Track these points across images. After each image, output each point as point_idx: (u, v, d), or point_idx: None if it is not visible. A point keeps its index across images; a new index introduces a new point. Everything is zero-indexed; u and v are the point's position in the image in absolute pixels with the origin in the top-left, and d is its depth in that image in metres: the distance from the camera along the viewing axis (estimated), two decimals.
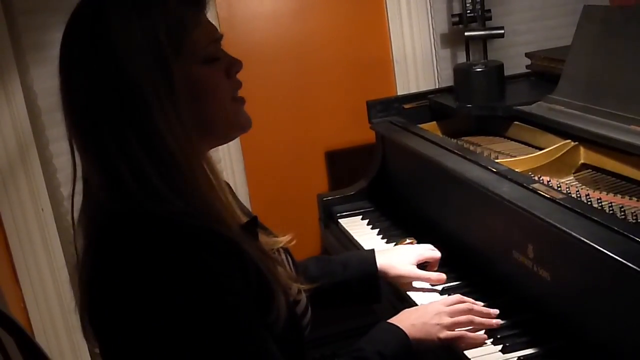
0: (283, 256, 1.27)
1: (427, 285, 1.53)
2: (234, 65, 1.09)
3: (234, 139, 1.21)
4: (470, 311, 1.31)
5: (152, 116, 0.98)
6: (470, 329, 1.30)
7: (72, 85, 1.01)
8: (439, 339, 1.25)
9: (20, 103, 1.79)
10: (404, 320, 1.25)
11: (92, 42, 1.00)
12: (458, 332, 1.27)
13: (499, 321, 1.33)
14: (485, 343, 1.29)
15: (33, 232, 1.80)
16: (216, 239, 0.99)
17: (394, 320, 1.26)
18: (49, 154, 1.90)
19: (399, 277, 1.49)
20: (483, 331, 1.31)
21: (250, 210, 1.39)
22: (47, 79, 1.89)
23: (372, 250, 1.53)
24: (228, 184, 1.26)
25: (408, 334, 1.21)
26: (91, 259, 1.03)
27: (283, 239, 1.25)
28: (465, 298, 1.36)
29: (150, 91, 0.98)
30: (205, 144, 1.12)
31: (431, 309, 1.29)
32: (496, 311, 1.35)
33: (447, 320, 1.27)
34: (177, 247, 0.96)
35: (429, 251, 1.56)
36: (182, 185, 0.99)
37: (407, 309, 1.34)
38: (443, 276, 1.51)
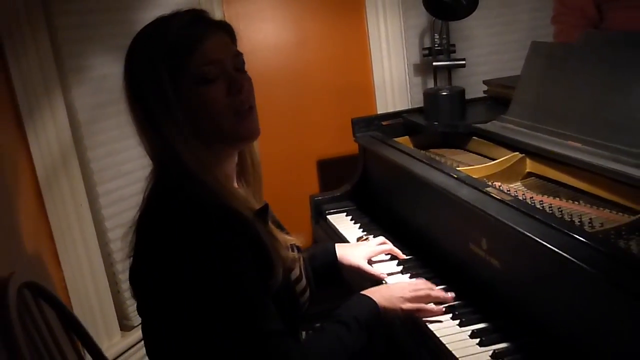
0: (295, 250, 1.28)
1: (398, 270, 1.55)
2: (233, 85, 1.10)
3: (241, 146, 1.21)
4: (430, 290, 1.34)
5: (160, 126, 1.03)
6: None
7: (126, 96, 1.10)
8: (402, 309, 1.28)
9: (63, 116, 1.80)
10: (374, 292, 1.29)
11: (126, 68, 1.10)
12: (418, 304, 1.30)
13: (452, 294, 1.36)
14: (442, 319, 1.31)
15: (72, 223, 1.80)
16: (232, 218, 1.04)
17: (366, 292, 1.29)
18: (86, 159, 1.90)
19: (350, 267, 1.51)
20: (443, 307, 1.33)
21: None
22: (85, 97, 1.91)
23: (333, 244, 1.56)
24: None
25: (378, 304, 1.24)
26: (137, 226, 1.10)
27: (294, 239, 1.28)
28: (425, 281, 1.38)
29: (154, 108, 1.03)
30: (221, 150, 1.14)
31: (398, 286, 1.34)
32: (452, 294, 1.37)
33: (409, 294, 1.30)
34: (203, 224, 1.02)
35: (379, 246, 1.59)
36: (208, 167, 1.08)
37: (378, 286, 1.37)
38: (383, 274, 1.51)
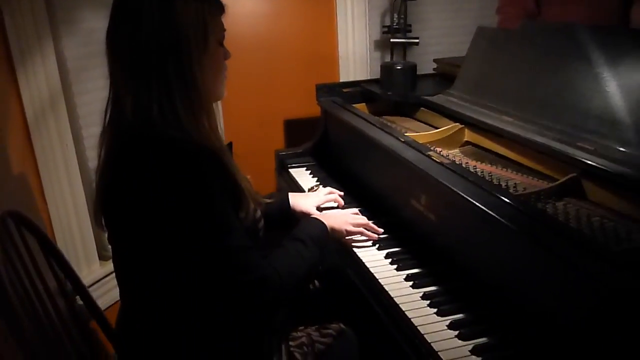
0: None
1: None
2: (227, 52, 1.13)
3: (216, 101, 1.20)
4: (366, 225, 1.44)
5: (192, 63, 1.01)
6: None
7: (140, 27, 1.00)
8: (347, 231, 1.39)
9: (53, 63, 1.70)
10: (324, 216, 1.38)
11: (164, 12, 1.01)
12: (359, 228, 1.41)
13: (381, 230, 1.45)
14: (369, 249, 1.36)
15: (58, 162, 1.74)
16: (209, 155, 1.01)
17: (317, 216, 1.38)
18: (73, 104, 1.82)
19: (302, 213, 1.51)
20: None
21: None
22: (75, 47, 1.81)
23: (287, 193, 1.58)
24: None
25: (327, 225, 1.30)
26: (113, 164, 1.05)
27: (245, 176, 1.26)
28: (364, 218, 1.47)
29: (193, 47, 1.01)
30: (203, 106, 1.11)
31: (343, 213, 1.49)
32: (381, 230, 1.46)
33: (352, 220, 1.40)
34: (182, 160, 0.98)
35: (326, 195, 1.61)
36: (199, 117, 1.04)
37: (327, 211, 1.50)
38: None
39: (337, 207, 1.61)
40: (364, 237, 1.42)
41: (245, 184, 1.09)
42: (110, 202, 1.06)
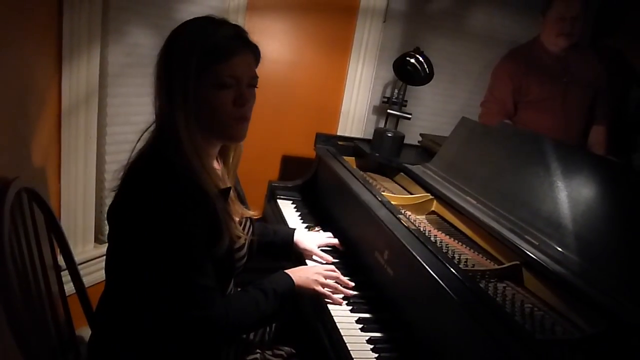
0: (247, 222, 1.26)
1: (319, 260, 1.53)
2: (239, 98, 1.06)
3: (230, 143, 1.20)
4: (337, 279, 1.33)
5: (173, 101, 0.99)
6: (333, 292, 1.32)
7: (158, 64, 1.04)
8: (313, 290, 1.26)
9: (96, 65, 1.71)
10: (294, 272, 1.27)
11: (166, 47, 1.04)
12: (326, 290, 1.28)
13: (352, 293, 1.34)
14: (342, 304, 1.31)
15: (80, 150, 1.73)
16: (198, 192, 1.00)
17: (288, 271, 1.27)
18: (105, 103, 1.82)
19: (305, 250, 1.50)
20: (342, 296, 1.32)
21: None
22: (119, 55, 1.82)
23: (294, 229, 1.54)
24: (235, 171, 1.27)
25: (294, 281, 1.23)
26: (127, 172, 1.05)
27: (250, 213, 1.26)
28: (337, 271, 1.36)
29: (175, 90, 0.99)
30: (212, 140, 1.10)
31: (313, 270, 1.31)
32: (352, 284, 1.36)
33: (322, 280, 1.29)
34: (175, 192, 0.99)
35: (327, 239, 1.58)
36: (190, 156, 1.02)
37: (299, 267, 1.35)
38: (330, 258, 1.52)
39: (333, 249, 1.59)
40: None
41: (229, 225, 1.09)
42: (113, 203, 1.06)
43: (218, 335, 1.06)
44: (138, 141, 1.09)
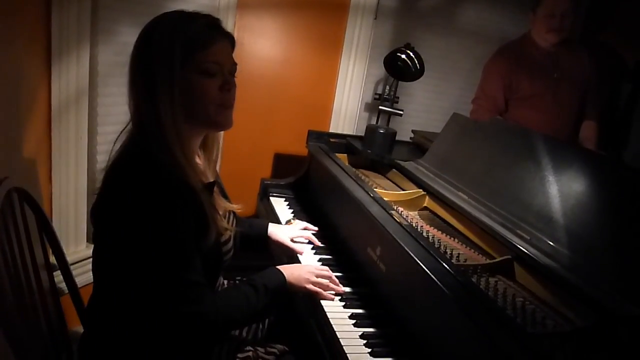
0: (230, 215, 1.26)
1: (312, 252, 1.53)
2: (226, 84, 1.07)
3: (213, 131, 1.19)
4: (329, 278, 1.32)
5: (156, 95, 0.99)
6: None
7: (133, 61, 1.05)
8: (305, 288, 1.26)
9: (85, 64, 1.70)
10: (286, 269, 1.26)
11: (143, 42, 1.04)
12: (318, 288, 1.28)
13: (344, 290, 1.34)
14: (334, 300, 1.30)
15: (70, 151, 1.72)
16: (183, 188, 1.00)
17: (280, 267, 1.26)
18: (95, 103, 1.81)
19: (277, 242, 1.51)
20: (334, 293, 1.32)
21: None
22: (108, 55, 1.81)
23: (268, 222, 1.56)
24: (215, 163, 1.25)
25: (286, 278, 1.22)
26: (111, 171, 1.05)
27: (233, 206, 1.26)
28: (329, 270, 1.36)
29: (159, 81, 0.99)
30: (195, 129, 1.11)
31: (306, 268, 1.31)
32: (344, 289, 1.34)
33: (313, 278, 1.28)
34: (156, 188, 0.98)
35: (301, 230, 1.59)
36: (172, 146, 1.01)
37: (292, 264, 1.35)
38: (301, 249, 1.52)
39: (309, 243, 1.59)
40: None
41: (215, 218, 1.09)
42: (97, 203, 1.06)
43: (209, 330, 1.06)
44: (116, 142, 1.09)
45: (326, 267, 1.38)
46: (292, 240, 1.54)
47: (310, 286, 1.27)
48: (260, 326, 1.33)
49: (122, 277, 1.04)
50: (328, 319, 1.23)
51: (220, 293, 1.12)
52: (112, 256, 1.04)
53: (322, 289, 1.29)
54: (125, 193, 0.98)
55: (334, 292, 1.30)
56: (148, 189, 0.97)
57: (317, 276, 1.29)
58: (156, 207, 0.96)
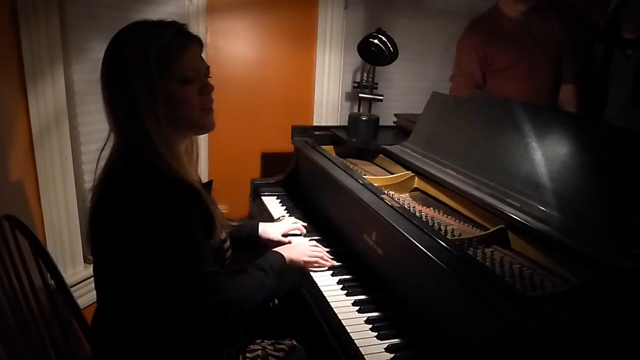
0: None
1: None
2: (205, 87, 1.08)
3: (198, 134, 1.19)
4: (321, 251, 1.44)
5: (138, 109, 0.98)
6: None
7: (107, 79, 1.03)
8: (304, 261, 1.39)
9: (61, 85, 1.69)
10: (284, 249, 1.36)
11: (114, 58, 1.02)
12: (315, 259, 1.40)
13: (336, 263, 1.44)
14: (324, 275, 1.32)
15: (56, 173, 1.70)
16: (185, 188, 1.01)
17: (277, 249, 1.36)
18: (76, 123, 1.80)
19: (269, 239, 1.56)
20: (329, 265, 1.43)
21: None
22: (83, 73, 1.80)
23: (258, 221, 1.61)
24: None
25: (286, 257, 1.31)
26: (104, 185, 1.04)
27: (221, 207, 1.26)
28: (319, 245, 1.48)
29: (139, 96, 0.98)
30: (181, 135, 1.10)
31: (300, 245, 1.45)
32: (335, 263, 1.45)
33: (309, 252, 1.40)
34: (160, 191, 0.98)
35: (291, 224, 1.64)
36: (160, 148, 1.01)
37: (286, 245, 1.47)
38: (295, 242, 1.56)
39: (300, 235, 1.62)
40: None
41: (217, 215, 1.11)
42: (96, 219, 1.04)
43: (238, 315, 1.09)
44: (99, 159, 1.08)
45: (316, 243, 1.49)
46: (283, 235, 1.57)
47: (308, 258, 1.39)
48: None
49: (132, 288, 1.03)
50: (332, 308, 1.23)
51: (235, 280, 1.14)
52: (121, 268, 1.02)
53: (317, 261, 1.41)
54: (133, 202, 0.97)
55: (329, 265, 1.43)
56: (155, 194, 0.97)
57: (311, 250, 1.41)
58: (167, 210, 0.96)
